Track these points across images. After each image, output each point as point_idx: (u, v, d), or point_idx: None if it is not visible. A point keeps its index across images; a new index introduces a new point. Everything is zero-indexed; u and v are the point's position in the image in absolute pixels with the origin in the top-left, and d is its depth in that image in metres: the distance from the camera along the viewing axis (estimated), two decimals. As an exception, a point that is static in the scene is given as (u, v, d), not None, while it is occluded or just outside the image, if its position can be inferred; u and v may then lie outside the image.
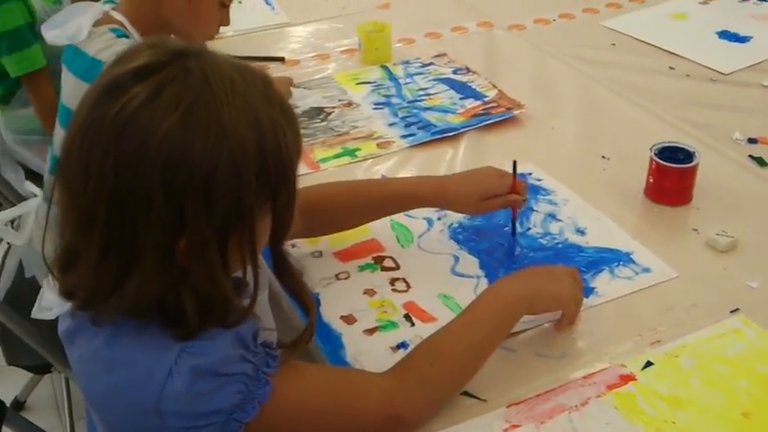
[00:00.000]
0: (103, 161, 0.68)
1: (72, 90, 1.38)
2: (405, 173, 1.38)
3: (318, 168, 1.40)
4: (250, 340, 0.77)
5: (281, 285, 0.82)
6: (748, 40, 1.83)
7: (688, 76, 1.69)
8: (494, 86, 1.64)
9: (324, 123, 1.54)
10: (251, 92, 0.72)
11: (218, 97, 0.70)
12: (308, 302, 0.80)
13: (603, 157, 1.41)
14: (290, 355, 0.80)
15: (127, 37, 1.35)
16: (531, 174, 1.35)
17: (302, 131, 1.41)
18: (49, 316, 0.83)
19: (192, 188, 0.68)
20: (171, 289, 0.71)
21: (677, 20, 1.96)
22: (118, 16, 1.39)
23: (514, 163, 1.16)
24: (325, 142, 1.47)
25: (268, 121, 0.72)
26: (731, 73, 1.68)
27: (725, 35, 1.86)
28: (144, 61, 0.70)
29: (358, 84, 1.69)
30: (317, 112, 1.58)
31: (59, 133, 1.44)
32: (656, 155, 1.26)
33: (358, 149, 1.45)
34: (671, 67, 1.72)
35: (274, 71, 1.77)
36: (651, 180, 1.27)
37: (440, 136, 1.47)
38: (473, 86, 1.65)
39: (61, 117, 1.43)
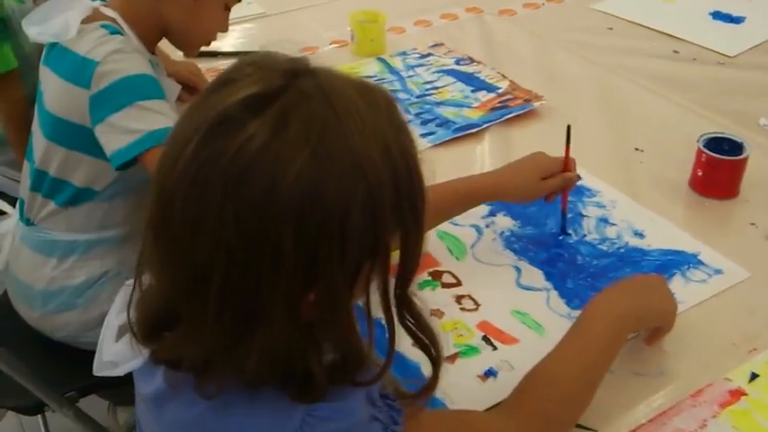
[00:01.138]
0: (221, 210, 0.56)
1: (58, 94, 1.22)
2: (439, 176, 1.27)
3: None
4: (376, 396, 0.66)
5: (405, 330, 0.71)
6: (743, 21, 1.80)
7: (695, 60, 1.65)
8: (503, 77, 1.55)
9: (332, 124, 1.41)
10: (377, 115, 0.61)
11: (347, 125, 0.58)
12: (438, 351, 0.69)
13: (637, 149, 1.35)
14: (410, 406, 0.70)
15: (121, 34, 1.20)
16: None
17: None
18: (117, 373, 0.70)
19: (327, 233, 0.57)
20: (297, 348, 0.59)
21: (667, 2, 1.92)
22: (110, 12, 1.23)
23: (568, 128, 1.11)
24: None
25: (397, 147, 0.61)
26: (737, 55, 1.65)
27: (719, 16, 1.83)
28: (255, 89, 0.58)
29: (357, 78, 1.57)
30: (322, 111, 1.46)
31: (41, 143, 1.27)
32: (704, 146, 1.20)
33: (378, 151, 1.33)
34: (675, 51, 1.68)
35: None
36: (699, 173, 1.22)
37: (462, 133, 1.38)
38: (481, 78, 1.56)
39: (45, 126, 1.26)
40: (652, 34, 1.75)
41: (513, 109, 1.44)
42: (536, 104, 1.45)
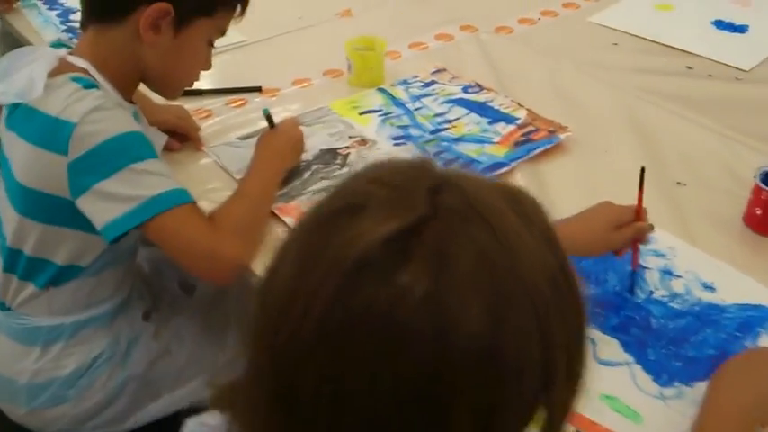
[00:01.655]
0: (374, 379, 0.43)
1: (28, 162, 1.06)
2: None
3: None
4: None
5: None
6: (746, 29, 1.74)
7: (710, 76, 1.57)
8: (519, 105, 1.44)
9: (346, 170, 1.28)
10: (531, 230, 0.50)
11: (512, 254, 0.46)
12: None
13: (679, 183, 1.26)
14: None
15: (96, 87, 1.04)
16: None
17: (322, 182, 1.10)
18: None
19: (504, 398, 0.45)
20: None
21: (664, 11, 1.84)
22: (79, 62, 1.07)
23: (642, 171, 1.02)
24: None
25: (560, 273, 0.49)
26: (752, 69, 1.58)
27: (721, 25, 1.76)
28: (397, 223, 0.45)
29: (361, 114, 1.44)
30: (331, 155, 1.32)
31: (12, 219, 1.10)
32: (762, 181, 1.12)
33: (403, 202, 1.20)
34: (688, 67, 1.60)
35: (253, 105, 1.48)
36: (758, 211, 1.13)
37: (490, 175, 1.26)
38: (495, 107, 1.44)
39: (15, 200, 1.09)
40: (659, 49, 1.67)
41: (539, 143, 1.33)
42: (562, 137, 1.34)
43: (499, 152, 1.32)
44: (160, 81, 1.16)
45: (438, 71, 1.57)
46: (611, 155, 1.33)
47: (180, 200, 1.01)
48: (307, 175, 1.26)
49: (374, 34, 1.57)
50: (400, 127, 1.40)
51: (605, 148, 1.34)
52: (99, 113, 1.00)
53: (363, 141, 1.36)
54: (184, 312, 1.29)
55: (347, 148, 1.34)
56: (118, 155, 1.00)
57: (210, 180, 1.27)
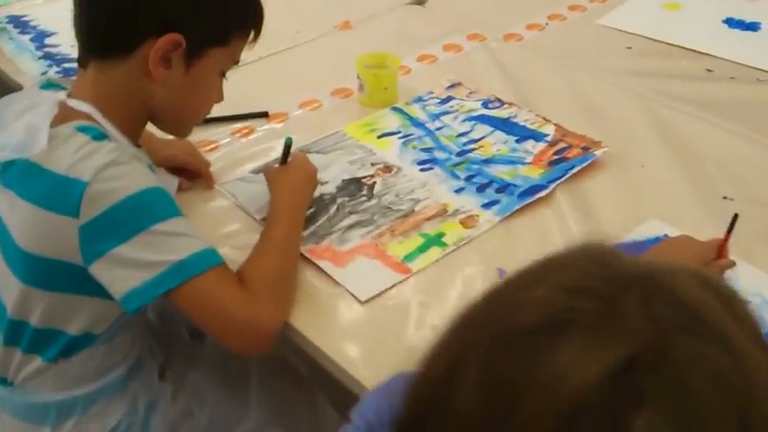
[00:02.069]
0: None
1: (31, 226, 0.94)
2: (519, 253, 1.08)
3: (410, 272, 1.06)
4: None
5: None
6: (759, 27, 1.69)
7: (733, 78, 1.51)
8: (546, 120, 1.37)
9: (374, 202, 1.19)
10: (754, 338, 0.41)
11: (748, 373, 0.38)
12: None
13: (725, 197, 1.20)
14: None
15: (106, 137, 0.94)
16: (665, 235, 1.10)
17: (351, 217, 1.00)
18: None
19: None
20: None
21: (672, 10, 1.78)
22: (81, 106, 0.96)
23: (734, 218, 0.97)
24: (395, 230, 1.13)
25: None
26: (774, 69, 1.53)
27: (732, 23, 1.71)
28: (623, 352, 0.37)
29: (379, 137, 1.36)
30: (356, 185, 1.23)
31: (14, 289, 0.98)
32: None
33: (442, 234, 1.12)
34: (708, 70, 1.54)
35: (261, 133, 1.38)
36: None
37: (530, 199, 1.18)
38: (521, 123, 1.37)
39: (17, 267, 0.98)
40: (676, 51, 1.61)
41: (575, 161, 1.26)
42: (598, 153, 1.27)
43: (534, 173, 1.24)
44: (171, 119, 1.07)
45: (453, 85, 1.49)
46: (648, 169, 1.26)
47: (210, 262, 0.91)
48: (333, 209, 1.17)
49: (377, 47, 1.50)
50: (423, 150, 1.32)
51: (641, 162, 1.27)
52: (114, 169, 0.90)
53: (387, 168, 1.27)
54: (200, 364, 1.19)
55: (371, 176, 1.25)
56: (137, 215, 0.90)
57: (228, 222, 1.17)
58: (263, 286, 0.95)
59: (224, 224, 1.17)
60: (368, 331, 0.98)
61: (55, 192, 0.90)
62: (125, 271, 0.89)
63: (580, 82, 1.50)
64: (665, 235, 1.10)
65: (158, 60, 0.95)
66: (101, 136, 0.93)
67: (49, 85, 1.04)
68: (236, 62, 1.08)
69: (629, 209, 1.18)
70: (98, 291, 0.92)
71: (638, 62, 1.58)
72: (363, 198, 1.20)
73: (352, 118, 1.41)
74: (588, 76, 1.53)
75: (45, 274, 0.96)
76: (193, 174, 1.24)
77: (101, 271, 0.90)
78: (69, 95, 0.98)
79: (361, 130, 1.38)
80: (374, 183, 1.24)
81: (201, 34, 0.98)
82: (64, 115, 0.95)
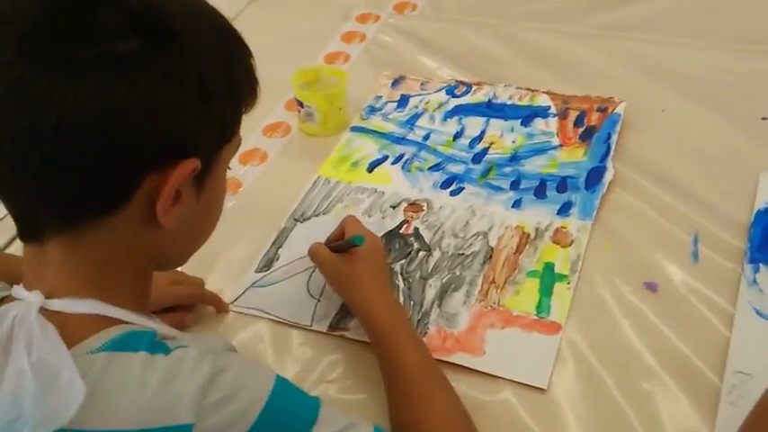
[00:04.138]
0: None
1: None
2: (674, 262, 0.90)
3: (560, 327, 0.83)
4: None
5: None
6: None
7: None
8: (531, 90, 1.18)
9: (438, 254, 0.93)
10: None
11: None
12: None
13: (764, 118, 1.11)
14: None
15: (167, 347, 0.57)
16: None
17: (431, 284, 0.92)
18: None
19: None
20: None
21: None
22: (76, 306, 0.57)
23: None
24: (495, 280, 0.89)
25: None
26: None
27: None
28: None
29: (370, 171, 1.08)
30: (398, 241, 0.96)
31: None
32: None
33: (551, 265, 0.90)
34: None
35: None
36: None
37: (604, 188, 1.00)
38: (508, 103, 1.17)
39: None
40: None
41: (605, 127, 1.09)
42: (620, 110, 1.12)
43: (576, 156, 1.06)
44: (177, 257, 0.71)
45: (397, 81, 1.24)
46: (669, 112, 1.14)
47: None
48: (402, 284, 0.90)
49: (270, 60, 1.18)
50: (433, 169, 1.07)
51: (659, 107, 1.15)
52: (220, 384, 0.55)
53: (415, 206, 1.01)
54: None
55: (406, 223, 0.98)
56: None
57: (283, 348, 0.84)
58: None
59: (284, 355, 0.84)
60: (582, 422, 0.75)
61: None
62: None
63: (523, 38, 1.32)
64: None
65: (169, 202, 0.59)
66: (151, 344, 0.56)
67: None
68: (238, 146, 0.73)
69: (691, 155, 1.05)
70: None
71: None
72: (422, 254, 0.94)
73: (314, 157, 1.11)
74: (527, 29, 1.35)
75: None
76: (221, 306, 0.89)
77: None
78: (48, 296, 0.57)
79: (342, 168, 1.08)
80: (416, 229, 0.97)
81: (212, 140, 0.63)
82: (72, 332, 0.55)
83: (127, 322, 0.58)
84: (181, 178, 0.56)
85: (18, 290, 0.57)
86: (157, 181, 0.55)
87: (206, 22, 0.59)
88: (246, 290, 0.91)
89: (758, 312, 0.82)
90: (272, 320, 0.87)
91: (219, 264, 0.95)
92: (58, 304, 0.56)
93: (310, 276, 0.92)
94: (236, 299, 0.90)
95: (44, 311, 0.55)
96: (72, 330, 0.54)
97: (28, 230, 0.58)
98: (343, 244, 0.84)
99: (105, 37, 0.50)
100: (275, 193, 1.05)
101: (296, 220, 1.00)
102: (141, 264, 0.63)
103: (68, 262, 0.57)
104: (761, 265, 0.87)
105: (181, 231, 0.62)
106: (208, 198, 0.63)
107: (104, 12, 0.51)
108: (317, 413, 0.60)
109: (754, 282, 0.85)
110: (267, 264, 0.94)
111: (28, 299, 0.55)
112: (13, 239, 0.98)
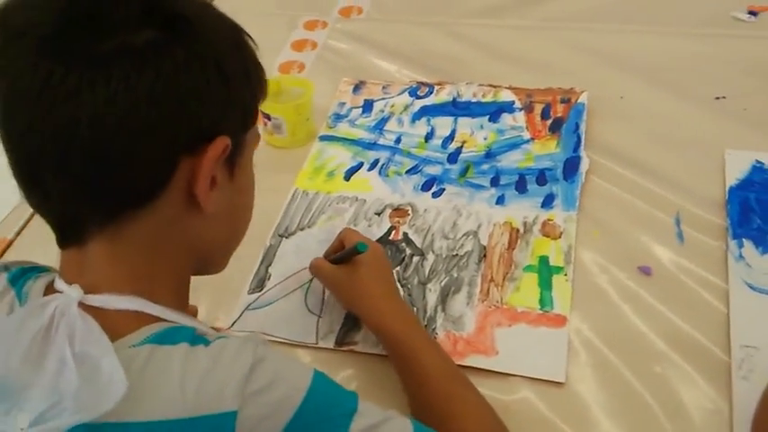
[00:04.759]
0: None
1: None
2: (668, 249, 0.92)
3: (565, 319, 0.84)
4: None
5: None
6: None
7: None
8: (493, 87, 1.19)
9: (432, 257, 0.93)
10: None
11: None
12: None
13: (718, 97, 1.15)
14: None
15: (206, 338, 0.56)
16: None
17: (431, 288, 0.92)
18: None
19: None
20: None
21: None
22: (119, 302, 0.56)
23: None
24: (493, 279, 0.89)
25: None
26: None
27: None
28: None
29: (347, 179, 1.06)
30: (390, 248, 0.95)
31: None
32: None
33: (545, 258, 0.91)
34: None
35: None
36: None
37: (582, 177, 1.02)
38: (473, 101, 1.17)
39: None
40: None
41: (572, 118, 1.11)
42: (583, 100, 1.14)
43: (549, 148, 1.07)
44: (220, 252, 0.69)
45: (358, 87, 1.23)
46: (628, 98, 1.17)
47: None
48: (404, 294, 0.89)
49: None
50: (410, 172, 1.06)
51: (617, 94, 1.17)
52: (260, 373, 0.54)
53: (401, 211, 1.00)
54: None
55: (393, 229, 0.98)
56: (324, 422, 0.57)
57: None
58: None
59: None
60: (605, 412, 0.76)
61: None
62: None
63: (476, 35, 1.33)
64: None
65: (207, 184, 0.58)
66: (192, 337, 0.55)
67: (18, 273, 0.61)
68: (259, 137, 0.72)
69: (657, 139, 1.08)
70: None
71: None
72: (416, 259, 0.93)
73: (286, 170, 1.08)
74: (476, 26, 1.36)
75: None
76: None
77: None
78: (87, 292, 0.55)
79: (319, 179, 1.06)
80: (406, 236, 0.97)
81: (237, 123, 0.62)
82: (116, 327, 0.54)
83: (166, 320, 0.57)
84: (215, 157, 0.57)
85: (59, 282, 0.57)
86: (192, 164, 0.56)
87: (213, 12, 0.60)
88: (242, 313, 0.89)
89: (751, 286, 0.85)
90: (275, 341, 0.85)
91: (209, 287, 0.91)
92: (97, 300, 0.55)
93: (306, 292, 0.90)
94: (233, 323, 0.87)
95: (83, 306, 0.54)
96: (111, 326, 0.53)
97: (69, 233, 0.57)
98: (345, 253, 0.83)
99: (121, 30, 0.51)
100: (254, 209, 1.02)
101: (280, 236, 0.98)
102: (182, 260, 0.62)
103: (110, 257, 0.57)
104: (744, 239, 0.90)
105: (218, 220, 0.63)
106: (240, 184, 0.64)
107: (117, 5, 0.52)
108: (356, 404, 0.59)
109: (741, 257, 0.88)
110: (259, 284, 0.92)
111: (68, 292, 0.55)
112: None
